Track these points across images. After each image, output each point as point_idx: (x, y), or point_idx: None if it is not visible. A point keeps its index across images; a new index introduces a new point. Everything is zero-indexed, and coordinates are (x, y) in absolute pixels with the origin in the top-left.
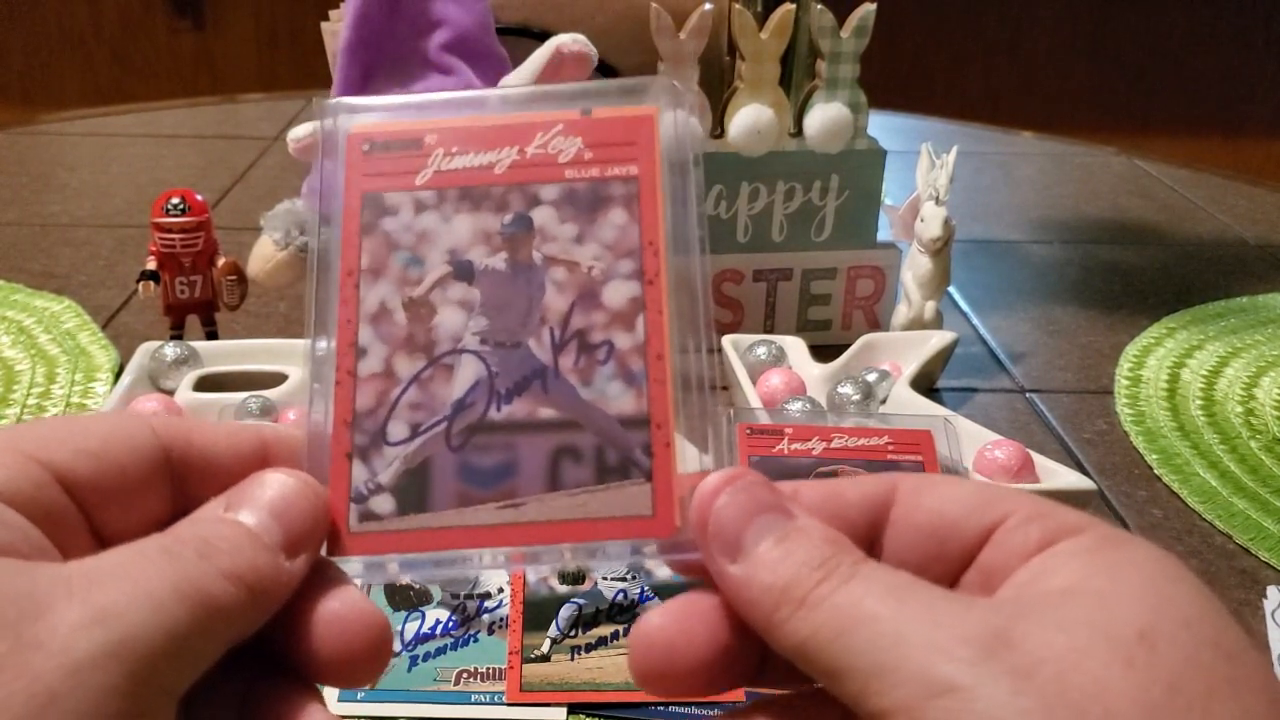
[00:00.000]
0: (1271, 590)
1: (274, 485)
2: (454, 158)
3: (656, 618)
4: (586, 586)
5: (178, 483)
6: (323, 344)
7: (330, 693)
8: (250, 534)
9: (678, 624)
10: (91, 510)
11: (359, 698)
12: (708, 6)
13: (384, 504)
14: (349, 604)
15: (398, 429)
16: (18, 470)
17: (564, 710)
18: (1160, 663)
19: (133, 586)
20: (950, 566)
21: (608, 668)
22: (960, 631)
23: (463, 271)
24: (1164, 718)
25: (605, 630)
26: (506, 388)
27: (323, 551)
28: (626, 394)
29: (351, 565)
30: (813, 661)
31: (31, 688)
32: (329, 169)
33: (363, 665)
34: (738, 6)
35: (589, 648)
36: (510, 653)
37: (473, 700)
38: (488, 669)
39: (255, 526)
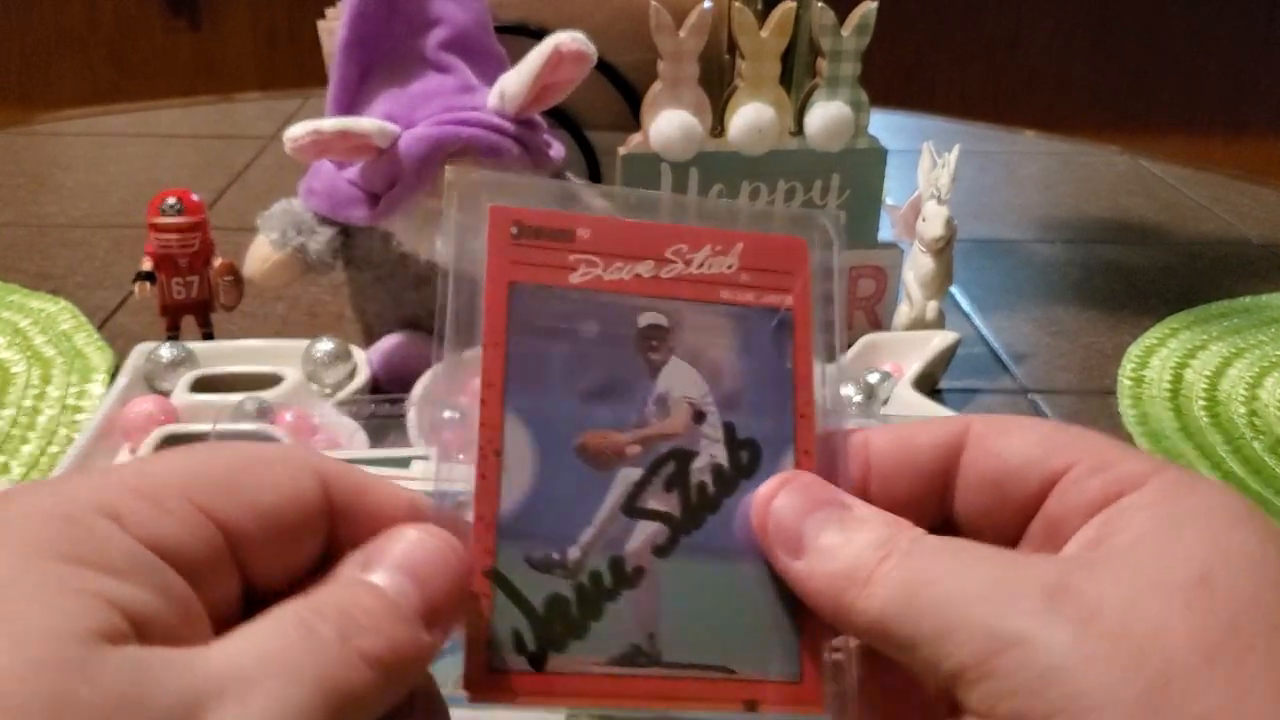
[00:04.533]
0: None
1: (412, 543)
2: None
3: None
4: None
5: (332, 530)
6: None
7: None
8: (389, 603)
9: None
10: (248, 563)
11: None
12: (707, 4)
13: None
14: None
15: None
16: (189, 526)
17: (564, 712)
18: (1219, 604)
19: (282, 690)
20: (1013, 517)
21: None
22: (1019, 586)
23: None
24: (1223, 656)
25: None
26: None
27: (456, 692)
28: None
29: (475, 707)
30: (887, 637)
31: None
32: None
33: None
34: (738, 4)
35: None
36: None
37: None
38: None
39: (391, 590)
